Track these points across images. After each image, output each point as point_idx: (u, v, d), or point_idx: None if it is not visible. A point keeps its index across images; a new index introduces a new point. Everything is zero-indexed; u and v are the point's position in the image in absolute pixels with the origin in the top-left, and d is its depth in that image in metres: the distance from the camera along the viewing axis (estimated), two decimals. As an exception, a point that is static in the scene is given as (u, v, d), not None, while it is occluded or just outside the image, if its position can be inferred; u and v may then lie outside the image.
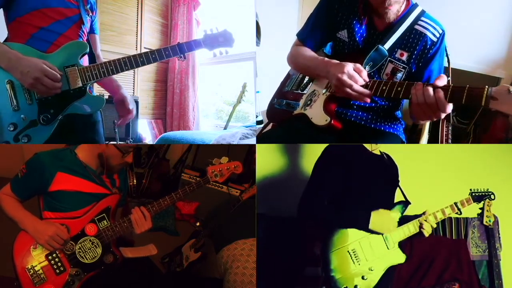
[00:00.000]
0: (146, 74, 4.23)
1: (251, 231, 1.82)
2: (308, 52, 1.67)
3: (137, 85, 4.10)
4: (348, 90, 1.36)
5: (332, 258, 1.41)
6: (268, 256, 1.77)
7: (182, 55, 1.63)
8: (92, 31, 1.79)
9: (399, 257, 1.44)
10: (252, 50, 3.42)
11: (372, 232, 1.44)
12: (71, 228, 1.43)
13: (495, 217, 1.83)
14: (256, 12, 3.01)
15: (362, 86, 1.38)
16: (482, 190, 1.60)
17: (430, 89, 1.19)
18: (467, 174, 1.95)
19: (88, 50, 1.57)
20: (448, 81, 2.18)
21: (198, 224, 2.20)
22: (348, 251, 1.41)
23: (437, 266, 1.81)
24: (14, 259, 1.39)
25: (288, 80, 1.96)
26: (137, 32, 4.09)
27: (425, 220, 1.46)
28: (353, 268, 1.41)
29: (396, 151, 1.61)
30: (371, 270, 1.41)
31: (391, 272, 1.45)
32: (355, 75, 1.36)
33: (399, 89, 1.29)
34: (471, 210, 1.68)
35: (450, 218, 1.87)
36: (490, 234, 1.84)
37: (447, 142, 2.24)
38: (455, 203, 1.51)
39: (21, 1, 1.53)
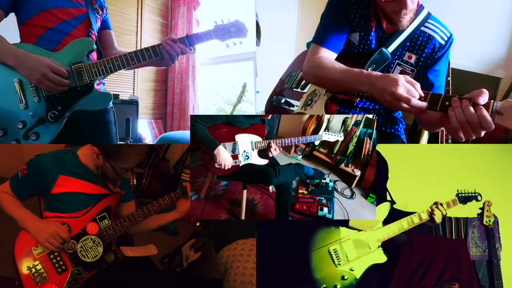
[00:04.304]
0: (146, 74, 4.23)
1: (251, 231, 1.82)
2: (336, 63, 1.48)
3: (137, 85, 4.10)
4: (405, 105, 1.18)
5: (313, 257, 1.41)
6: (268, 256, 1.77)
7: (191, 47, 1.59)
8: (105, 27, 1.79)
9: (380, 257, 1.45)
10: (252, 50, 3.42)
11: (353, 229, 1.45)
12: (73, 227, 1.43)
13: (495, 217, 1.83)
14: (256, 12, 3.02)
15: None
16: (469, 192, 1.60)
17: (471, 108, 1.08)
18: (467, 173, 1.95)
19: (95, 47, 1.58)
20: (448, 81, 2.19)
21: (198, 224, 2.19)
22: (329, 251, 1.41)
23: (437, 266, 1.80)
24: (15, 258, 1.39)
25: (288, 77, 1.96)
26: (137, 32, 4.09)
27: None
28: (334, 268, 1.41)
29: (397, 151, 1.61)
30: (352, 270, 1.41)
31: (373, 271, 1.44)
32: (411, 89, 1.18)
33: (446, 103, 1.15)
34: (471, 210, 1.68)
35: (450, 218, 1.87)
36: (490, 234, 1.84)
37: (447, 142, 2.25)
38: (439, 204, 1.52)
39: (30, 3, 1.55)
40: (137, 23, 4.09)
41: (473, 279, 1.79)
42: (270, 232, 1.82)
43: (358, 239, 1.44)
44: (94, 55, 1.68)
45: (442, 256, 1.81)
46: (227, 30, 1.58)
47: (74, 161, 1.49)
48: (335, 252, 1.41)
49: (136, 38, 4.09)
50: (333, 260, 1.41)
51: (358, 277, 1.41)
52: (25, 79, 1.48)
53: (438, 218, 1.51)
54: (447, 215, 1.55)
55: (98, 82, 1.65)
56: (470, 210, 1.61)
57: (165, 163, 2.80)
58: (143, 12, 4.16)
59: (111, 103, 1.67)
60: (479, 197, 1.61)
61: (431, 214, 1.50)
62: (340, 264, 1.41)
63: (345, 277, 1.40)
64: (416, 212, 1.50)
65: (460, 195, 1.59)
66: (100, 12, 1.73)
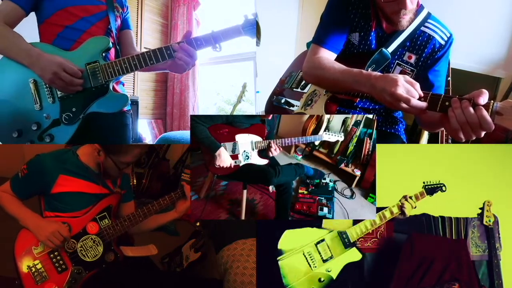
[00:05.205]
0: (146, 74, 4.23)
1: (251, 231, 1.82)
2: (336, 63, 1.47)
3: (137, 85, 4.10)
4: (405, 105, 1.17)
5: (282, 264, 1.40)
6: (268, 256, 1.77)
7: (217, 44, 1.50)
8: (125, 27, 1.76)
9: (355, 255, 1.44)
10: (252, 50, 3.43)
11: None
12: (73, 226, 1.43)
13: (495, 217, 1.82)
14: (256, 12, 3.01)
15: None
16: (434, 183, 1.58)
17: (471, 108, 1.07)
18: (467, 174, 1.95)
19: (111, 45, 1.52)
20: (448, 81, 2.19)
21: (198, 224, 2.19)
22: (303, 254, 1.40)
23: (437, 266, 1.80)
24: (15, 258, 1.39)
25: (288, 77, 1.96)
26: (137, 32, 4.09)
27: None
28: (310, 272, 1.40)
29: (397, 151, 1.61)
30: (328, 271, 1.40)
31: (350, 269, 1.45)
32: (411, 89, 1.17)
33: (446, 103, 1.13)
34: (471, 210, 1.68)
35: (450, 218, 1.87)
36: (490, 234, 1.84)
37: (447, 142, 2.25)
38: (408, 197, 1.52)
39: (49, 1, 1.53)
40: (137, 23, 4.09)
41: (473, 279, 1.79)
42: (270, 232, 1.82)
43: (332, 239, 1.44)
44: (112, 55, 1.64)
45: (442, 256, 1.81)
46: (257, 25, 1.47)
47: (74, 160, 1.49)
48: (309, 255, 1.40)
49: (136, 38, 4.08)
50: (308, 263, 1.40)
51: (334, 277, 1.41)
52: (40, 80, 1.46)
53: (408, 211, 1.51)
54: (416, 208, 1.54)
55: (116, 82, 1.62)
56: (470, 210, 1.60)
57: (165, 163, 2.80)
58: (143, 12, 4.16)
59: (129, 105, 1.65)
60: (443, 188, 1.59)
61: (401, 207, 1.50)
62: (316, 267, 1.40)
63: (322, 279, 1.39)
64: (387, 207, 1.50)
65: (426, 186, 1.58)
66: (120, 11, 1.70)
